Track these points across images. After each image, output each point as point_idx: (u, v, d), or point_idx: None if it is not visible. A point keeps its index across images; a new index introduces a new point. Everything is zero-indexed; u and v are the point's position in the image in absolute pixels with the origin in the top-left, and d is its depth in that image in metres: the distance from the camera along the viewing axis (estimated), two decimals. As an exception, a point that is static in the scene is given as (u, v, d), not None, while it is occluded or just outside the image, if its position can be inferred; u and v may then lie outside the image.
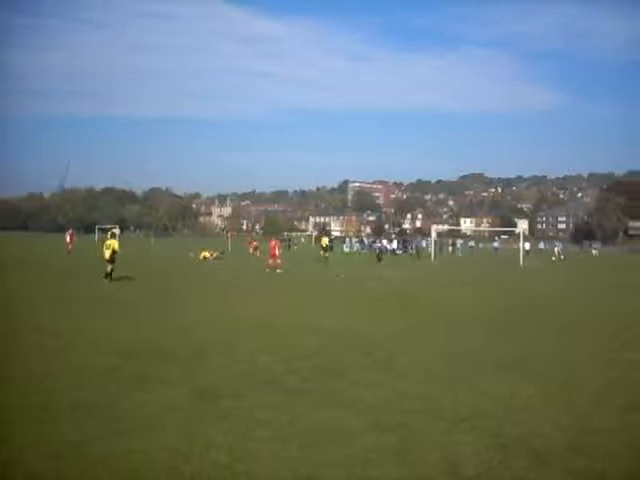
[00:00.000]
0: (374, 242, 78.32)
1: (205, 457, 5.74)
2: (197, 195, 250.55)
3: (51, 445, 5.90)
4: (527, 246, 61.87)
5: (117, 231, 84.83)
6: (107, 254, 23.93)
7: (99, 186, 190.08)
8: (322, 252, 43.14)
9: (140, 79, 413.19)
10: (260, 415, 7.00)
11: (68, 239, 50.77)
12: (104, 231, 66.01)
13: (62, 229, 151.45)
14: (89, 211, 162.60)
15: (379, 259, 46.17)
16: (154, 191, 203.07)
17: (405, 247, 70.94)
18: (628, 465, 5.79)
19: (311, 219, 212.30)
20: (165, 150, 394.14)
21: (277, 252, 34.17)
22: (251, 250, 54.76)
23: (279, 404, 7.47)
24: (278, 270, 32.07)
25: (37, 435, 6.17)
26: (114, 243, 24.07)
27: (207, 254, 44.76)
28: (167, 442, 6.06)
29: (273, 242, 35.36)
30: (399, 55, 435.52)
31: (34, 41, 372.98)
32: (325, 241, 45.47)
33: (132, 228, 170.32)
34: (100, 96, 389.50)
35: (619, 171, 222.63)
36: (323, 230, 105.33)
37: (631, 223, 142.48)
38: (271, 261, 33.59)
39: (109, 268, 23.72)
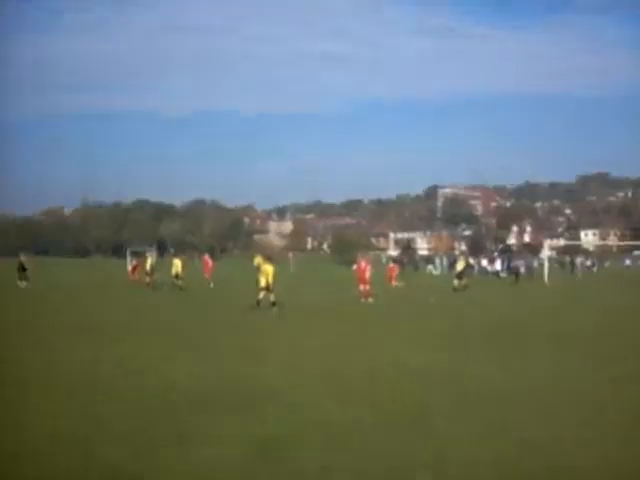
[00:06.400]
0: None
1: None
2: (250, 208, 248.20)
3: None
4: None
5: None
6: (263, 281, 26.08)
7: (129, 199, 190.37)
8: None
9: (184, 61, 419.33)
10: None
11: (204, 266, 49.26)
12: (137, 255, 62.80)
13: (86, 251, 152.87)
14: (117, 230, 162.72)
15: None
16: (197, 204, 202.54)
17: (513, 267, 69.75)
18: None
19: (391, 235, 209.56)
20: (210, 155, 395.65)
21: (368, 275, 32.32)
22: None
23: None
24: (370, 299, 30.71)
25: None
26: (269, 268, 26.29)
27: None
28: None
29: (363, 263, 33.67)
30: (498, 31, 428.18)
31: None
32: None
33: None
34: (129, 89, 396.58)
35: None
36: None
37: None
38: (362, 287, 31.80)
39: (271, 297, 25.84)
